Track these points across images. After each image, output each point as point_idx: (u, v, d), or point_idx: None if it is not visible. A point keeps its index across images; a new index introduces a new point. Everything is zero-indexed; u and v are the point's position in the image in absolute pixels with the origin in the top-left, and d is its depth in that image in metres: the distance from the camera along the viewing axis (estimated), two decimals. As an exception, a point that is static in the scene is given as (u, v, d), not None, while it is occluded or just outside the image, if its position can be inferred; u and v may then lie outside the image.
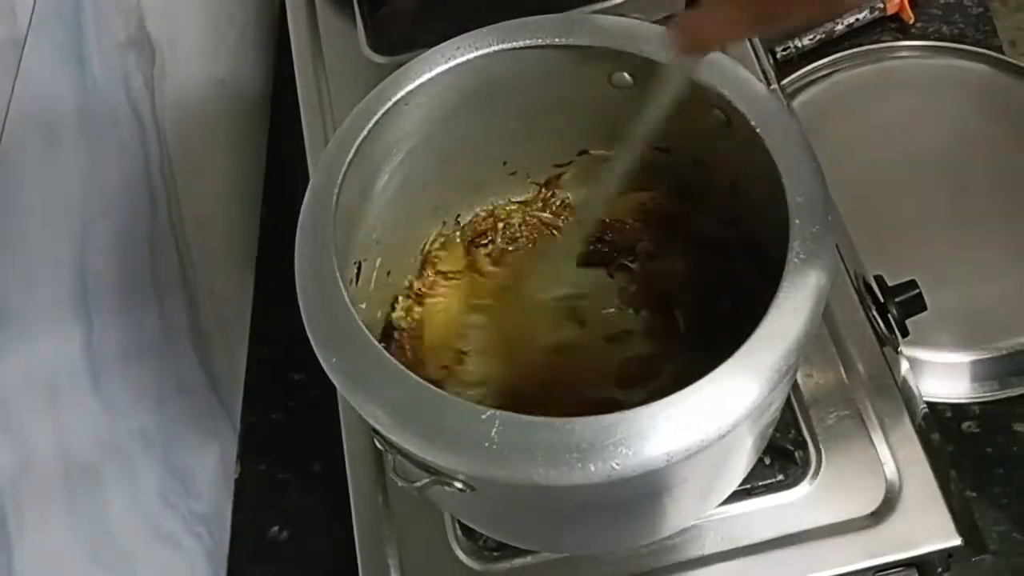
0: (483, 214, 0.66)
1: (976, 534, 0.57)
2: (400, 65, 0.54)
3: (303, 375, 0.81)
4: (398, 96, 0.52)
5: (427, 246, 0.65)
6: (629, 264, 0.64)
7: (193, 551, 0.69)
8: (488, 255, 0.65)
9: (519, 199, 0.66)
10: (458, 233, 0.66)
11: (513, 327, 0.62)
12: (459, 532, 0.60)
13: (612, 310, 0.62)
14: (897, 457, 0.59)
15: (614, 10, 0.71)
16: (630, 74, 0.54)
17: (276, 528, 0.75)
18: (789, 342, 0.43)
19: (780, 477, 0.59)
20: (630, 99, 0.56)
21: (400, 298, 0.62)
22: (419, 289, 0.63)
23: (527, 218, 0.66)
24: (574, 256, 0.63)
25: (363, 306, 0.55)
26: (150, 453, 0.65)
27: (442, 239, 0.65)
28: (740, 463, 0.54)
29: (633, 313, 0.62)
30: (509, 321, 0.62)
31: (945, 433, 0.72)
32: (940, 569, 0.59)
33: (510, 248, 0.65)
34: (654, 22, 0.54)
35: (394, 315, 0.62)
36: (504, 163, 0.64)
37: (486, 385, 0.59)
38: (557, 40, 0.53)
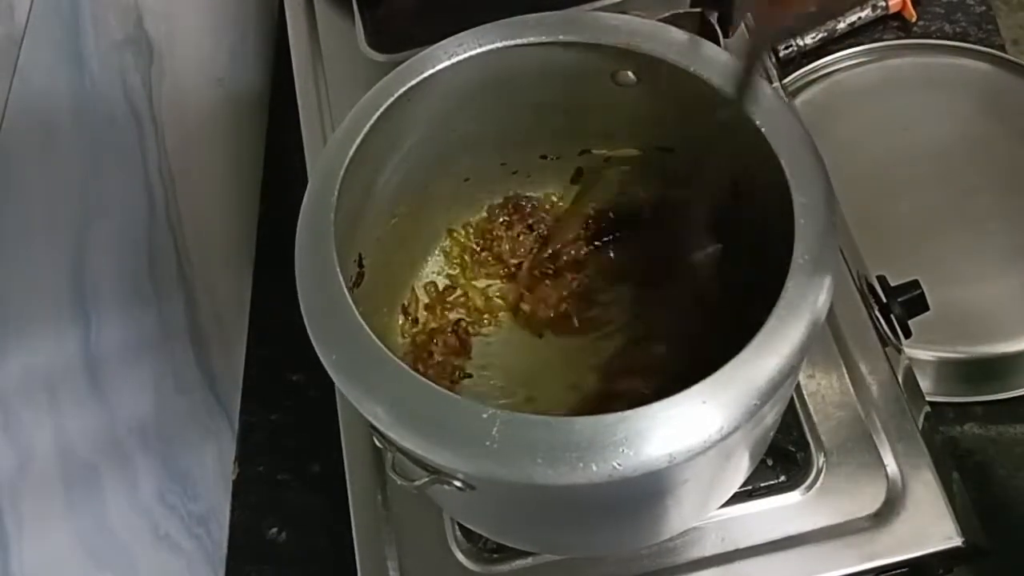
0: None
1: (978, 535, 0.57)
2: (399, 63, 0.54)
3: (302, 375, 0.81)
4: (399, 93, 0.52)
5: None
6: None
7: (191, 551, 0.68)
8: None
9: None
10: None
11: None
12: (459, 534, 0.59)
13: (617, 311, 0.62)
14: (899, 458, 0.59)
15: (617, 7, 0.70)
16: (633, 72, 0.54)
17: (275, 529, 0.75)
18: (793, 343, 0.42)
19: (782, 478, 0.59)
20: (633, 97, 0.55)
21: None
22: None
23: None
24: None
25: (363, 303, 0.55)
26: (148, 453, 0.64)
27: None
28: (742, 464, 0.54)
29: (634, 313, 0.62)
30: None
31: (947, 434, 0.71)
32: (942, 570, 0.58)
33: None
34: (659, 20, 0.54)
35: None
36: (503, 163, 0.63)
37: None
38: (560, 37, 0.53)
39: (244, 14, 0.98)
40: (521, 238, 0.65)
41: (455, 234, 0.65)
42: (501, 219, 0.65)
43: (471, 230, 0.66)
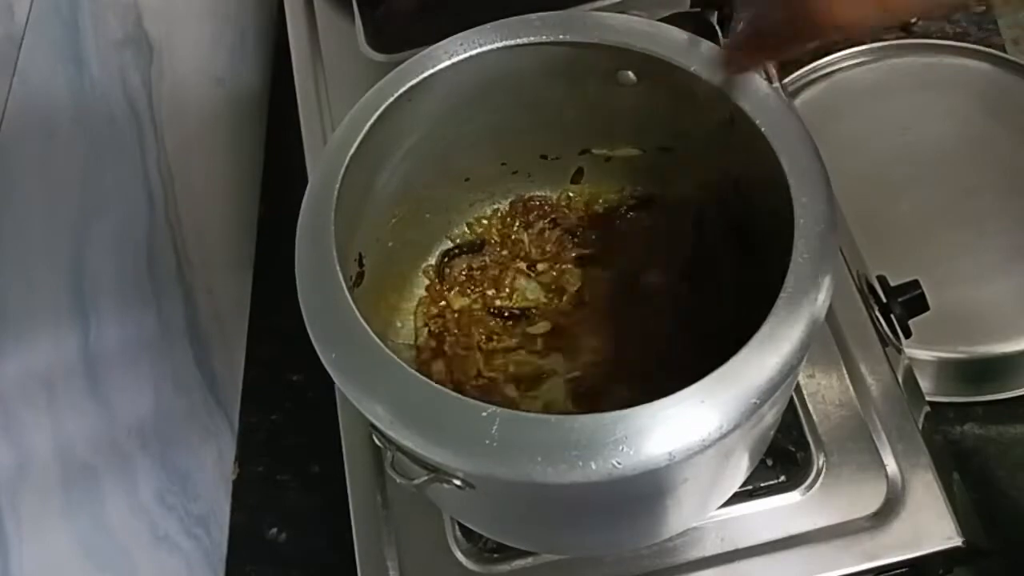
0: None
1: (978, 535, 0.57)
2: (399, 63, 0.53)
3: (301, 376, 0.81)
4: (399, 93, 0.52)
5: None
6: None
7: (191, 552, 0.68)
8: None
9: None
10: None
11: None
12: (458, 533, 0.59)
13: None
14: (899, 458, 0.58)
15: (617, 7, 0.70)
16: (634, 72, 0.54)
17: (275, 529, 0.75)
18: (792, 342, 0.42)
19: (782, 478, 0.59)
20: (633, 97, 0.55)
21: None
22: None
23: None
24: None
25: (363, 303, 0.55)
26: (148, 453, 0.64)
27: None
28: (742, 464, 0.53)
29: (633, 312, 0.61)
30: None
31: (947, 434, 0.71)
32: (942, 570, 0.58)
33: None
34: (659, 20, 0.54)
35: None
36: (503, 163, 0.63)
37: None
38: (560, 37, 0.53)
39: (243, 14, 0.98)
40: (546, 234, 0.65)
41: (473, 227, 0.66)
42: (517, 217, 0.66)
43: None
